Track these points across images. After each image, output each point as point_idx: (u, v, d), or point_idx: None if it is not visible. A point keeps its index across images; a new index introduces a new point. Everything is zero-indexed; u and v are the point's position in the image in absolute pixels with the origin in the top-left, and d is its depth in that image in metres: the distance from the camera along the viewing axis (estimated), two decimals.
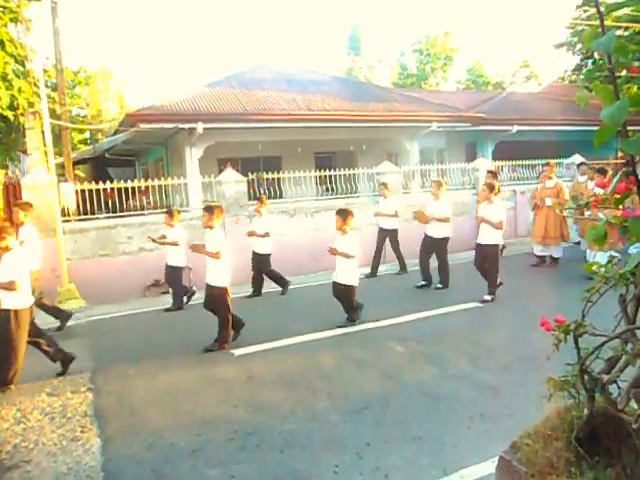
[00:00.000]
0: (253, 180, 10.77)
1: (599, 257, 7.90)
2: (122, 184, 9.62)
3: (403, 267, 9.79)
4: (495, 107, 18.27)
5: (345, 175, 11.54)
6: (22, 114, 13.44)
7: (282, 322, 6.85)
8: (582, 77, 22.30)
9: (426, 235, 8.55)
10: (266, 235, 8.50)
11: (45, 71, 14.58)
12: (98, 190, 9.35)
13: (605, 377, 1.91)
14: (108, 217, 9.59)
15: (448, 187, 12.48)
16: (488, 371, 4.71)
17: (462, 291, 7.84)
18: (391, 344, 5.63)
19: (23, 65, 15.28)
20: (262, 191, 10.73)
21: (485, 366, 4.85)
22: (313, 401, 4.30)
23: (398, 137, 15.18)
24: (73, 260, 8.86)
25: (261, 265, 8.66)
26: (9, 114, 14.53)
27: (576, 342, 1.95)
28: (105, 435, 3.92)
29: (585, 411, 1.99)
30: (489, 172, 10.58)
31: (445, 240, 8.36)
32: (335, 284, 6.38)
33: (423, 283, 8.42)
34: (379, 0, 63.24)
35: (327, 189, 11.67)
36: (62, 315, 7.19)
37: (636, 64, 1.44)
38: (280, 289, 8.73)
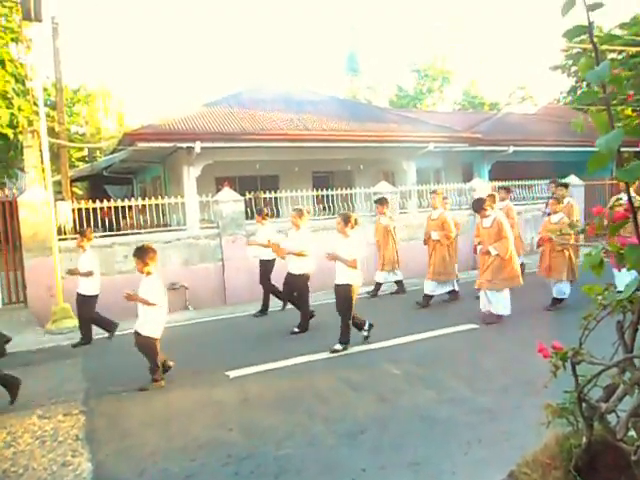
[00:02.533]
0: (251, 199, 10.79)
1: (493, 297, 7.25)
2: (119, 203, 9.62)
3: (264, 309, 8.71)
4: (491, 128, 18.45)
5: (342, 195, 11.57)
6: (21, 132, 13.49)
7: (277, 343, 6.79)
8: (575, 100, 22.55)
9: (287, 272, 7.69)
10: (89, 274, 7.24)
11: (45, 89, 14.68)
12: (95, 208, 9.34)
13: (604, 406, 1.89)
14: (104, 236, 9.57)
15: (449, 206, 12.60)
16: (485, 394, 4.67)
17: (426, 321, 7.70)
18: (387, 366, 5.58)
19: (23, 84, 15.39)
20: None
21: (482, 389, 4.80)
22: (309, 425, 4.24)
23: (395, 157, 15.28)
24: (69, 279, 8.80)
25: (84, 308, 7.38)
26: (8, 132, 14.60)
27: (574, 369, 1.93)
28: (96, 460, 3.85)
29: (584, 439, 1.96)
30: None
31: (304, 277, 7.43)
32: (136, 334, 5.47)
33: (297, 330, 7.31)
34: (377, 22, 64.24)
35: (324, 208, 11.70)
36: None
37: (630, 92, 1.45)
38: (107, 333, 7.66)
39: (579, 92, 25.18)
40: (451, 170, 17.98)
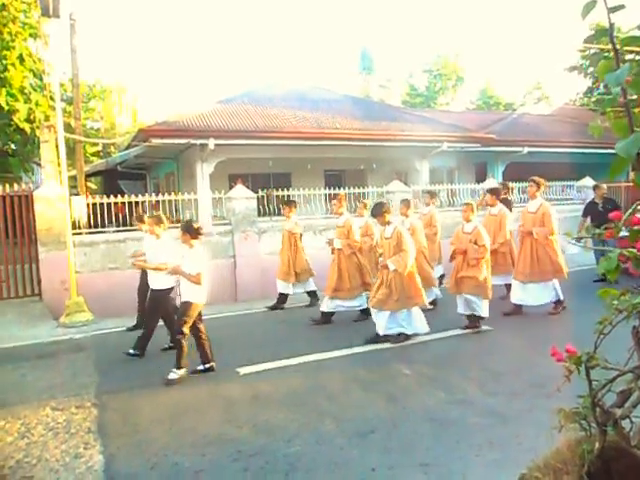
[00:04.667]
0: (263, 197, 10.83)
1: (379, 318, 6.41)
2: (132, 198, 9.70)
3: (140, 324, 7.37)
4: (506, 128, 18.32)
5: (355, 193, 11.56)
6: (38, 127, 13.64)
7: (288, 341, 6.81)
8: (593, 101, 22.27)
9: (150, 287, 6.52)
10: None
11: (61, 85, 14.83)
12: (109, 203, 9.43)
13: (618, 411, 1.87)
14: (118, 231, 9.66)
15: (456, 208, 12.50)
16: (496, 396, 4.64)
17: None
18: (398, 366, 5.57)
19: (41, 79, 15.56)
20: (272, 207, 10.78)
21: (493, 391, 4.78)
22: (318, 423, 4.25)
23: (408, 156, 15.23)
24: (82, 273, 8.91)
25: None
26: (26, 126, 14.75)
27: (587, 374, 1.92)
28: (108, 453, 3.89)
29: (597, 445, 1.94)
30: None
31: (165, 291, 6.30)
32: None
33: (132, 352, 6.21)
34: (392, 20, 64.03)
35: None
36: None
37: None
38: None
39: (595, 93, 24.86)
40: (464, 170, 17.88)
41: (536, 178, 7.79)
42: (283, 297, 8.79)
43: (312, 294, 8.91)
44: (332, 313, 7.56)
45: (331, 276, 7.54)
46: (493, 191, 8.71)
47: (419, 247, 7.65)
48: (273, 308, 8.77)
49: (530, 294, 7.48)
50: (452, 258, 6.98)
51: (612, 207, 9.37)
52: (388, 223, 6.48)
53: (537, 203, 7.60)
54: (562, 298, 7.56)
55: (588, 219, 9.82)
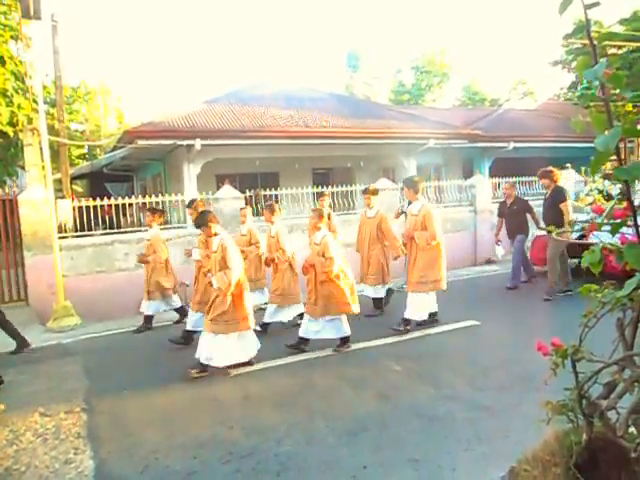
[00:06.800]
0: (251, 197, 10.80)
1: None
2: (119, 200, 9.62)
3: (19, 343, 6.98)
4: (492, 124, 18.42)
5: (342, 192, 11.56)
6: (21, 130, 13.46)
7: (277, 341, 6.79)
8: (577, 98, 22.47)
9: None
10: None
11: (44, 87, 14.67)
12: (95, 206, 9.34)
13: (604, 403, 1.89)
14: (105, 233, 9.58)
15: (445, 204, 12.55)
16: (484, 391, 4.67)
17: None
18: (386, 363, 5.59)
19: (23, 82, 15.36)
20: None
21: (481, 386, 4.81)
22: (310, 422, 4.25)
23: (395, 154, 15.25)
24: (69, 277, 8.82)
25: None
26: (8, 130, 14.55)
27: (574, 367, 1.94)
28: (98, 457, 3.86)
29: (584, 436, 1.96)
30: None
31: None
32: None
33: None
34: (377, 18, 64.14)
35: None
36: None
37: (628, 94, 1.45)
38: None
39: (579, 88, 25.08)
40: (451, 166, 17.96)
41: (414, 178, 7.15)
42: (148, 318, 7.91)
43: (178, 310, 8.15)
44: (194, 332, 6.63)
45: (197, 290, 6.77)
46: (371, 191, 7.91)
47: (287, 258, 7.10)
48: (137, 331, 7.83)
49: (413, 305, 6.69)
50: (304, 272, 6.18)
51: (519, 207, 9.23)
52: (212, 234, 5.72)
53: (419, 205, 6.78)
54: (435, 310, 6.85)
55: (503, 220, 9.47)
